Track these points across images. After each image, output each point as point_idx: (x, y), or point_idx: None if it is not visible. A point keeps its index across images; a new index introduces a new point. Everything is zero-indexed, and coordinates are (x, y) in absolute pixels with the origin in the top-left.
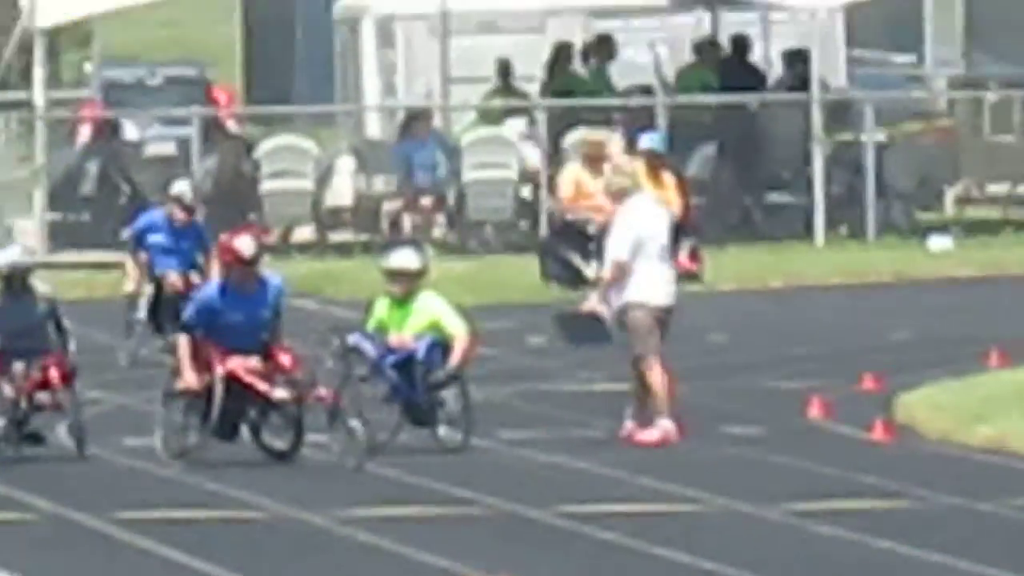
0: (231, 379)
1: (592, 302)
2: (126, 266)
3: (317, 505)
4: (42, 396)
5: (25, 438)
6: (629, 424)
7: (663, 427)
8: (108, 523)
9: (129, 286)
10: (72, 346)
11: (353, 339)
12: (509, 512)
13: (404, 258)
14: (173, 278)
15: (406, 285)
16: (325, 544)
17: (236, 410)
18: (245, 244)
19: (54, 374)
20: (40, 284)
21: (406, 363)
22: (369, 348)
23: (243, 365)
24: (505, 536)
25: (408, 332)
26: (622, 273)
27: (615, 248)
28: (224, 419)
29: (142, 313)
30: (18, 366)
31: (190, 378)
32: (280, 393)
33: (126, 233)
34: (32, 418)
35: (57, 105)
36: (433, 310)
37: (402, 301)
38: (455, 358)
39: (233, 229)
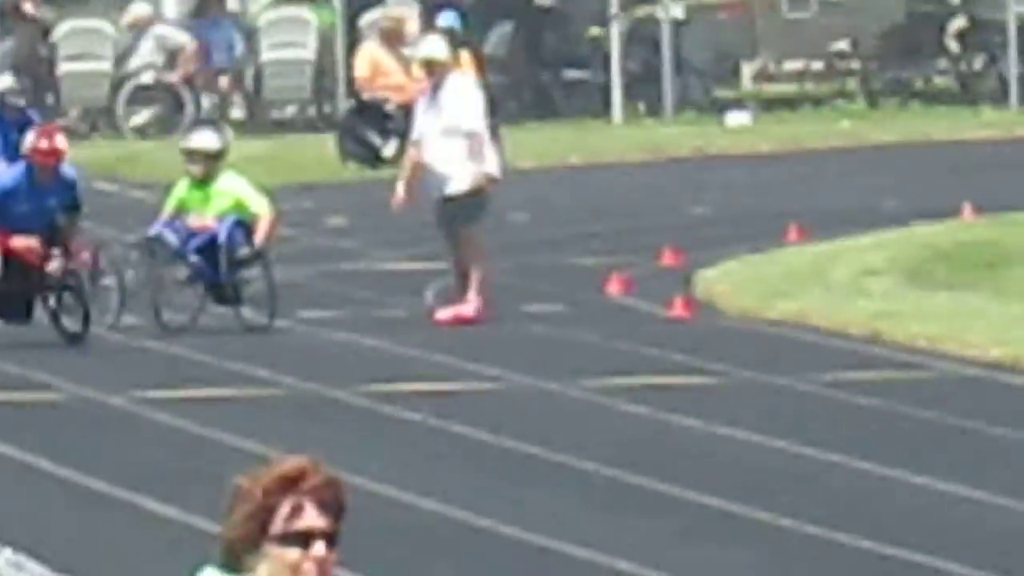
0: (8, 256)
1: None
2: None
3: (116, 386)
4: None
5: None
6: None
7: (475, 303)
8: None
9: None
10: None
11: (154, 229)
12: (312, 392)
13: (204, 139)
14: None
15: (205, 166)
16: (123, 425)
17: (19, 290)
18: (56, 142)
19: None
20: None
21: (209, 245)
22: (170, 236)
23: (23, 242)
24: (309, 416)
25: (211, 213)
26: (480, 145)
27: (475, 120)
28: (9, 299)
29: None
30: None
31: None
32: (54, 264)
33: None
34: None
35: None
36: (236, 190)
37: (202, 182)
38: (260, 236)
39: (40, 127)
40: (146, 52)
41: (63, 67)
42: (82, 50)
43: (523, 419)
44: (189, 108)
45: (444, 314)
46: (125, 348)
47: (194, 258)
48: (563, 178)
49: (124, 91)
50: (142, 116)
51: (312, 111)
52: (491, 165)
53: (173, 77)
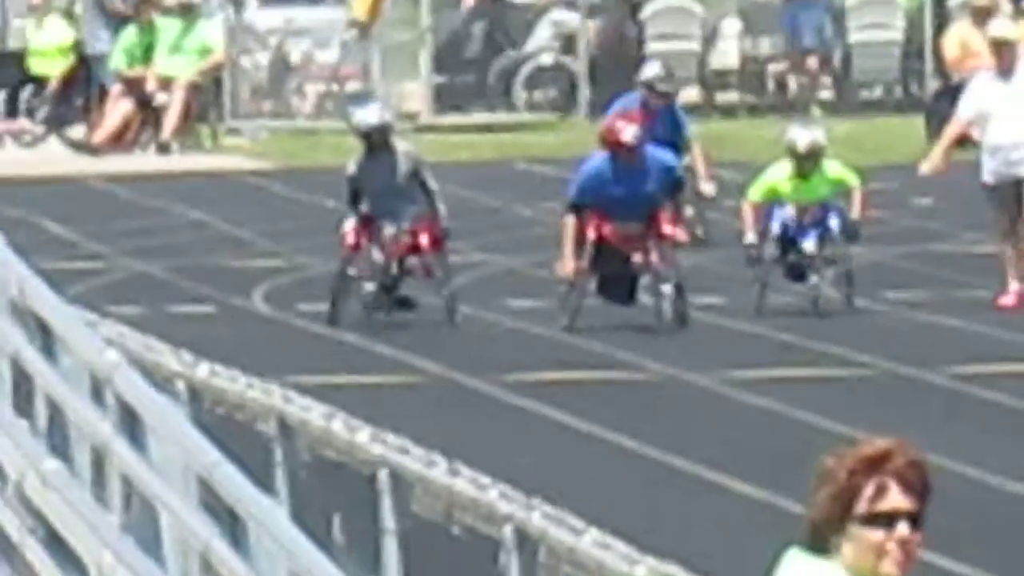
0: (601, 243)
1: None
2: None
3: (702, 367)
4: (412, 261)
5: (396, 303)
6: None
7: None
8: (494, 385)
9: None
10: (442, 208)
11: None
12: (897, 373)
13: (796, 136)
14: None
15: (812, 163)
16: (711, 405)
17: (617, 275)
18: (629, 133)
19: (424, 239)
20: (401, 143)
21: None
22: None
23: (615, 231)
24: (893, 397)
25: (813, 198)
26: None
27: None
28: (609, 284)
29: None
30: (389, 230)
31: (569, 266)
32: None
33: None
34: (402, 282)
35: None
36: (836, 171)
37: (805, 173)
38: (856, 209)
39: (614, 120)
40: (542, 36)
41: (651, 46)
42: (670, 29)
43: None
44: (584, 91)
45: (1007, 299)
46: (713, 328)
47: (809, 244)
48: None
49: (709, 70)
50: (727, 96)
51: (899, 92)
52: None
53: (571, 60)
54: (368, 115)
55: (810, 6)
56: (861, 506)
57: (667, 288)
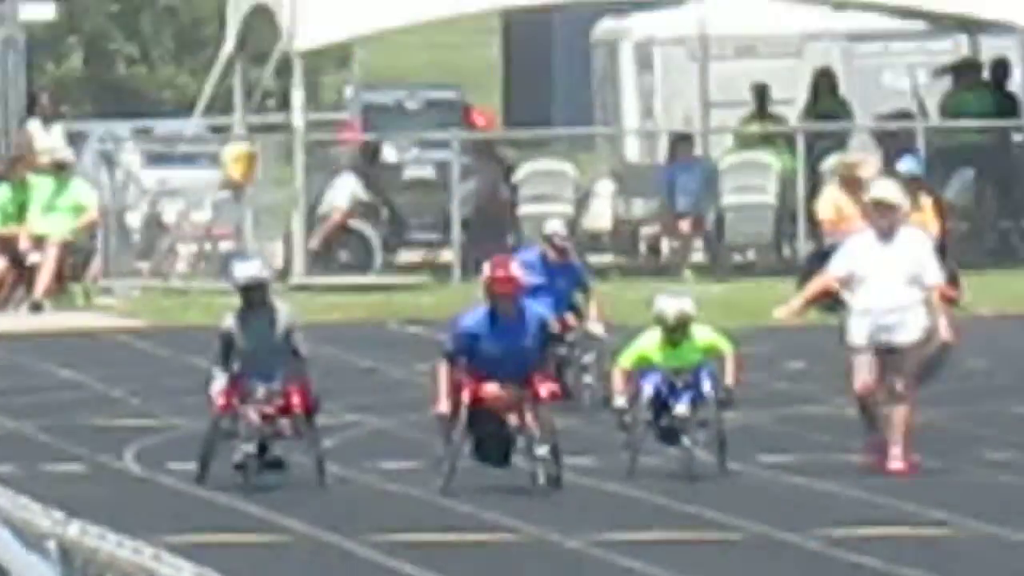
0: (476, 406)
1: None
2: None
3: (572, 529)
4: (283, 423)
5: (267, 464)
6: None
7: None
8: (365, 546)
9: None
10: (306, 373)
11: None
12: (769, 537)
13: (677, 305)
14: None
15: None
16: (580, 568)
17: (492, 436)
18: (519, 271)
19: (296, 400)
20: (279, 302)
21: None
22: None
23: (492, 392)
24: (763, 558)
25: (684, 365)
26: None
27: (938, 275)
28: (484, 446)
29: None
30: (261, 389)
31: (443, 406)
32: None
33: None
34: (272, 444)
35: (316, 127)
36: (707, 338)
37: (675, 342)
38: (730, 376)
39: (495, 257)
40: (604, 194)
41: (524, 208)
42: (544, 191)
43: (972, 565)
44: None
45: (896, 464)
46: (586, 490)
47: (681, 408)
48: (1022, 326)
49: (582, 232)
50: (600, 257)
51: (773, 255)
52: (944, 329)
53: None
54: (248, 268)
55: (688, 168)
56: None
57: (542, 451)
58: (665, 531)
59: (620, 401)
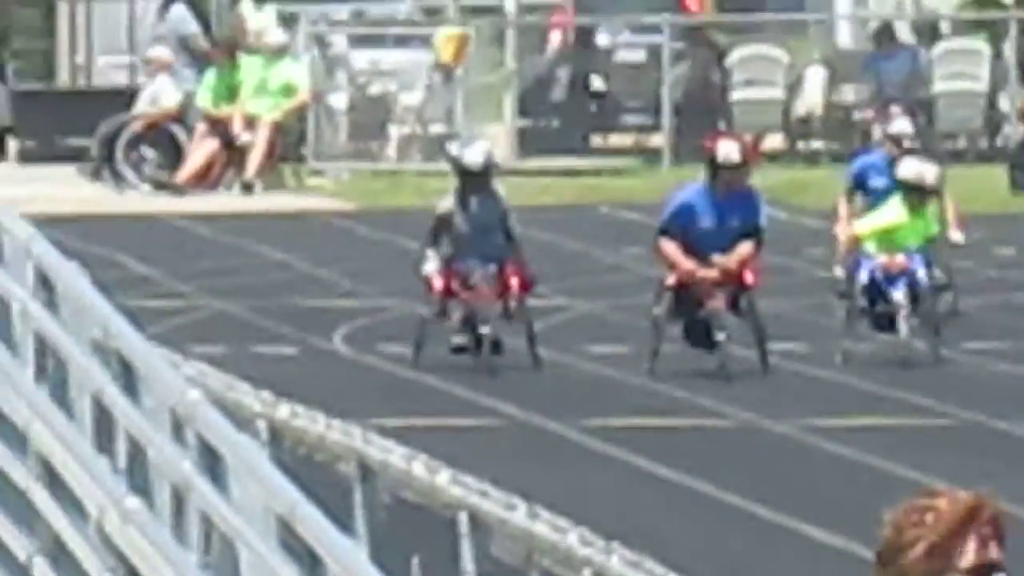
0: (680, 289)
1: None
2: (838, 208)
3: (783, 414)
4: (496, 306)
5: (484, 347)
6: None
7: None
8: (574, 430)
9: (839, 229)
10: (523, 255)
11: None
12: (974, 423)
13: (920, 170)
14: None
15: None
16: (789, 453)
17: (696, 320)
18: (731, 149)
19: (514, 281)
20: (499, 187)
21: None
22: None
23: (703, 274)
24: (968, 447)
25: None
26: None
27: None
28: (690, 329)
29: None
30: (479, 271)
31: (689, 265)
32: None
33: (845, 175)
34: (486, 327)
35: (528, 11)
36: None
37: (919, 211)
38: (955, 226)
39: (713, 135)
40: (815, 80)
41: (736, 93)
42: (755, 76)
43: None
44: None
45: None
46: (793, 375)
47: (897, 295)
48: None
49: (794, 118)
50: (811, 143)
51: (983, 142)
52: None
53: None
54: (475, 154)
55: (893, 56)
56: (964, 559)
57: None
58: (874, 417)
59: (838, 271)
